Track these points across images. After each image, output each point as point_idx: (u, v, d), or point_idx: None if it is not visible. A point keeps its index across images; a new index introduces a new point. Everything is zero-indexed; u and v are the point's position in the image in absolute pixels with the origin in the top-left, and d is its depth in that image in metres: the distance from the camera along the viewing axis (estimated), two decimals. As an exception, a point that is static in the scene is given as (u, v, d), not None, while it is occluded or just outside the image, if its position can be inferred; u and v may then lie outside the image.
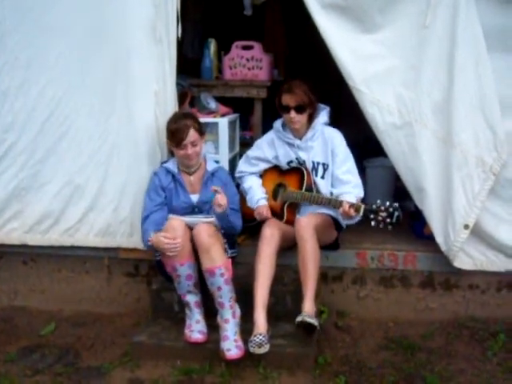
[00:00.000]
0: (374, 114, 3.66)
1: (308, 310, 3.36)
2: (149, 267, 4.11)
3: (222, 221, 3.54)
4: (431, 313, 3.94)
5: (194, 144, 3.59)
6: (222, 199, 3.47)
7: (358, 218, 3.54)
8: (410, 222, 4.05)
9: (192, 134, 3.58)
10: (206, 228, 3.42)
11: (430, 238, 3.82)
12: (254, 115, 4.55)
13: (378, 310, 3.96)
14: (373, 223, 3.41)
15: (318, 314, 3.57)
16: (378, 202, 3.42)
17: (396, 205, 3.37)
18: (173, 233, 3.36)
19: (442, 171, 3.64)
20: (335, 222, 3.82)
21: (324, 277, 3.91)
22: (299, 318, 3.31)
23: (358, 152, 3.90)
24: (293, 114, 3.69)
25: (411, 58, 3.57)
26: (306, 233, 3.48)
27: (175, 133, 3.56)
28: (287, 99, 3.69)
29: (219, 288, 3.38)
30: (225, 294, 3.40)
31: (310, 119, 3.76)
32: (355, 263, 3.93)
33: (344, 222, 3.75)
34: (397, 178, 4.02)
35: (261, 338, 3.29)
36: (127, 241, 3.98)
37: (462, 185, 3.59)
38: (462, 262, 3.75)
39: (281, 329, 3.56)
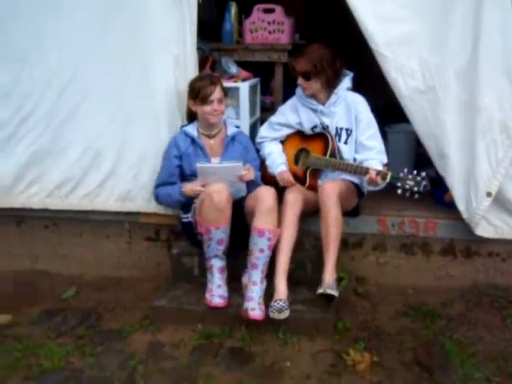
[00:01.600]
0: (396, 78, 3.63)
1: (328, 280, 3.40)
2: (169, 232, 4.12)
3: (250, 186, 3.62)
4: (451, 280, 3.92)
5: (220, 101, 3.61)
6: (249, 175, 3.57)
7: (383, 185, 3.53)
8: (432, 189, 3.82)
9: (219, 90, 3.61)
10: (272, 192, 3.47)
11: (450, 206, 3.81)
12: (274, 80, 4.51)
13: (398, 276, 3.95)
14: (399, 191, 3.42)
15: (337, 280, 3.57)
16: (406, 170, 3.42)
17: (424, 174, 3.38)
18: (217, 196, 3.40)
19: (466, 137, 3.60)
20: (357, 189, 3.83)
21: (344, 243, 3.88)
22: (320, 290, 3.36)
23: (380, 117, 3.86)
24: (300, 80, 3.71)
25: (436, 21, 3.52)
26: (330, 200, 3.49)
27: (202, 88, 3.57)
28: (295, 64, 3.72)
29: (261, 250, 3.40)
30: (263, 258, 3.42)
31: (331, 85, 3.74)
32: (376, 229, 3.94)
33: (368, 189, 3.76)
34: (418, 144, 3.99)
35: (281, 303, 3.32)
36: (147, 206, 4.00)
37: (485, 151, 3.55)
38: (483, 230, 3.72)
39: (300, 294, 3.59)
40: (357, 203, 3.90)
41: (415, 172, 3.40)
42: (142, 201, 4.00)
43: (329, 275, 3.40)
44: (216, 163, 3.59)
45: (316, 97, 3.79)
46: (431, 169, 3.89)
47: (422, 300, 3.77)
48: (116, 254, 4.23)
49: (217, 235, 3.46)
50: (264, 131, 4.03)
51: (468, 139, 3.59)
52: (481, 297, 3.77)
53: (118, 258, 4.22)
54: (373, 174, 3.47)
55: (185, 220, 3.68)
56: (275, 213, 3.43)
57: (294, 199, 3.59)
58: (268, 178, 3.89)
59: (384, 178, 3.45)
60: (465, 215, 3.71)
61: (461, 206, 3.72)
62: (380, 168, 3.55)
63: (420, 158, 4.31)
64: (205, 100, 3.57)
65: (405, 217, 3.92)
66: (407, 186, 3.39)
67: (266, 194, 3.44)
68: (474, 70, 3.49)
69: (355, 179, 3.76)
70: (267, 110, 4.44)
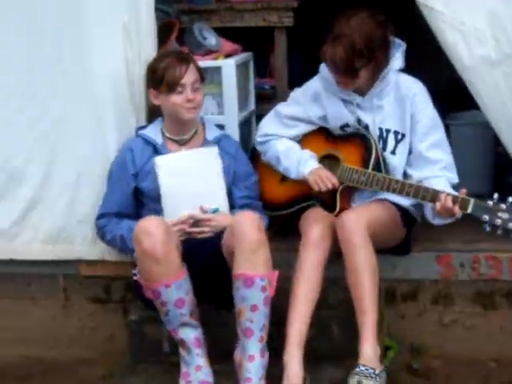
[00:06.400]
0: (455, 44, 3.13)
1: (368, 356, 2.87)
2: (125, 288, 3.55)
3: None
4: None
5: (195, 88, 3.13)
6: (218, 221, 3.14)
7: (458, 217, 3.00)
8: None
9: (193, 71, 3.14)
10: (252, 217, 2.97)
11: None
12: (275, 54, 3.91)
13: (473, 342, 3.38)
14: (487, 228, 2.92)
15: (383, 351, 3.01)
16: (496, 195, 2.93)
17: None
18: (147, 240, 2.88)
19: None
20: (403, 214, 3.22)
21: (389, 295, 3.39)
22: (353, 380, 2.81)
23: (439, 103, 3.28)
24: (338, 76, 3.14)
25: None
26: (355, 238, 2.99)
27: (167, 69, 3.11)
28: (330, 54, 3.09)
29: (253, 307, 2.92)
30: (258, 318, 2.93)
31: (380, 71, 3.16)
32: (436, 273, 3.37)
33: (434, 222, 3.17)
34: (496, 142, 3.54)
35: (294, 392, 2.90)
36: (91, 249, 3.43)
37: None
38: None
39: (323, 374, 3.05)
40: (405, 235, 3.32)
41: (511, 199, 2.92)
42: (82, 242, 3.43)
43: (367, 350, 2.87)
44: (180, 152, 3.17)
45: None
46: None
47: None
48: (46, 325, 3.67)
49: (171, 296, 2.98)
50: (269, 126, 3.43)
51: None
52: None
53: (50, 330, 3.67)
54: (448, 200, 2.94)
55: (135, 278, 3.18)
56: (265, 246, 2.94)
57: (321, 235, 3.04)
58: (273, 198, 3.38)
59: (464, 207, 2.94)
60: None
61: None
62: (450, 191, 3.05)
63: (500, 161, 3.86)
64: (173, 86, 3.09)
65: (479, 252, 3.35)
66: (499, 222, 2.89)
67: (242, 223, 2.96)
68: None
69: (401, 200, 3.21)
70: (266, 99, 3.86)
